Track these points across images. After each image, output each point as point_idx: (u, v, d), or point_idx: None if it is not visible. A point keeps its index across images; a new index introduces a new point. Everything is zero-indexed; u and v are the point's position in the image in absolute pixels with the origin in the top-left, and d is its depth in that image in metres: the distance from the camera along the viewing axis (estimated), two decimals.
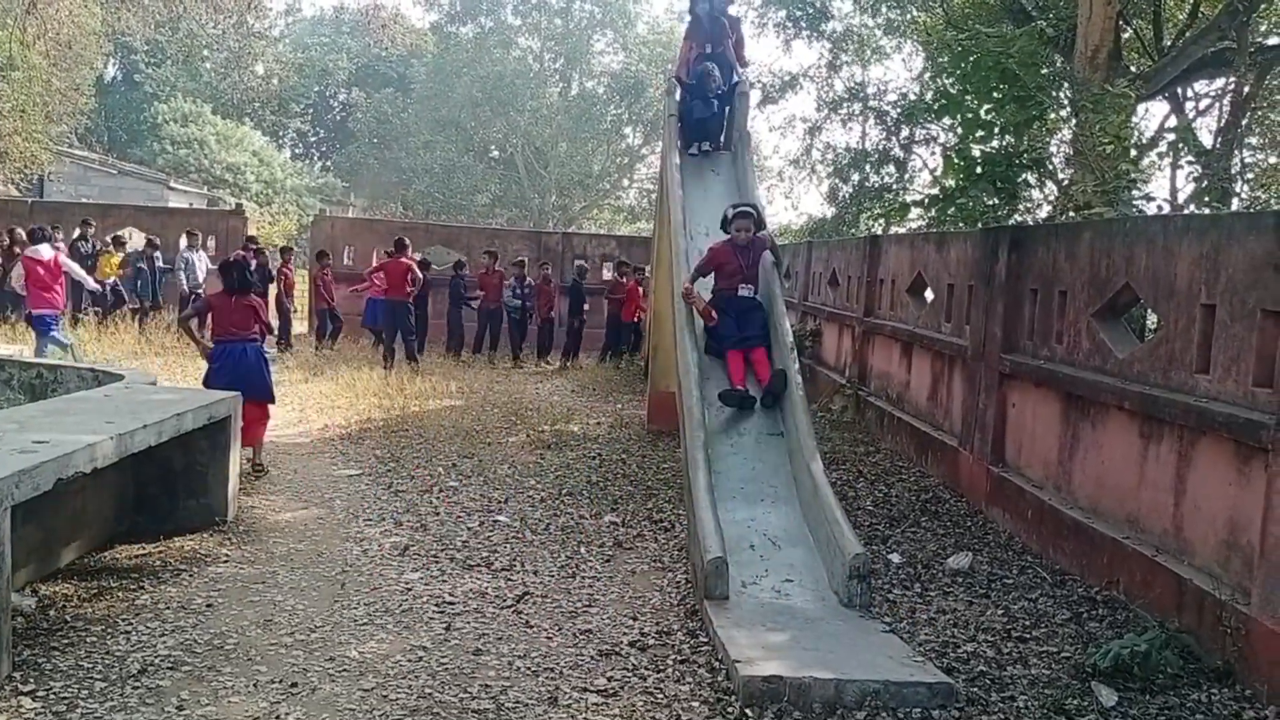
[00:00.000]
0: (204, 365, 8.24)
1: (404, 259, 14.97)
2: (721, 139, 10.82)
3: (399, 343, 14.91)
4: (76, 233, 17.37)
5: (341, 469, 8.45)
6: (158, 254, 17.23)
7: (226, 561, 5.90)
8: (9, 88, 23.77)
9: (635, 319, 17.07)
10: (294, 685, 4.27)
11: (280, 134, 46.74)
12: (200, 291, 16.40)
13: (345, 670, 4.46)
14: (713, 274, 8.06)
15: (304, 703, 4.13)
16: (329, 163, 47.45)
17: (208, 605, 5.14)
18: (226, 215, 21.95)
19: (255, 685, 4.25)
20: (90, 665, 4.35)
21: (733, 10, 11.68)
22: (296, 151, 49.00)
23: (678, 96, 11.23)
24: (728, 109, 10.86)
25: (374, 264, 17.04)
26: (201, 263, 17.04)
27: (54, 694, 4.06)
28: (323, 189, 41.69)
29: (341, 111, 49.64)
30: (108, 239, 17.56)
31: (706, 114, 10.58)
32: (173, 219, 21.08)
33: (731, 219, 8.07)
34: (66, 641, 4.58)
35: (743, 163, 10.42)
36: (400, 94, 43.64)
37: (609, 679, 4.49)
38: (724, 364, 7.62)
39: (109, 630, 4.73)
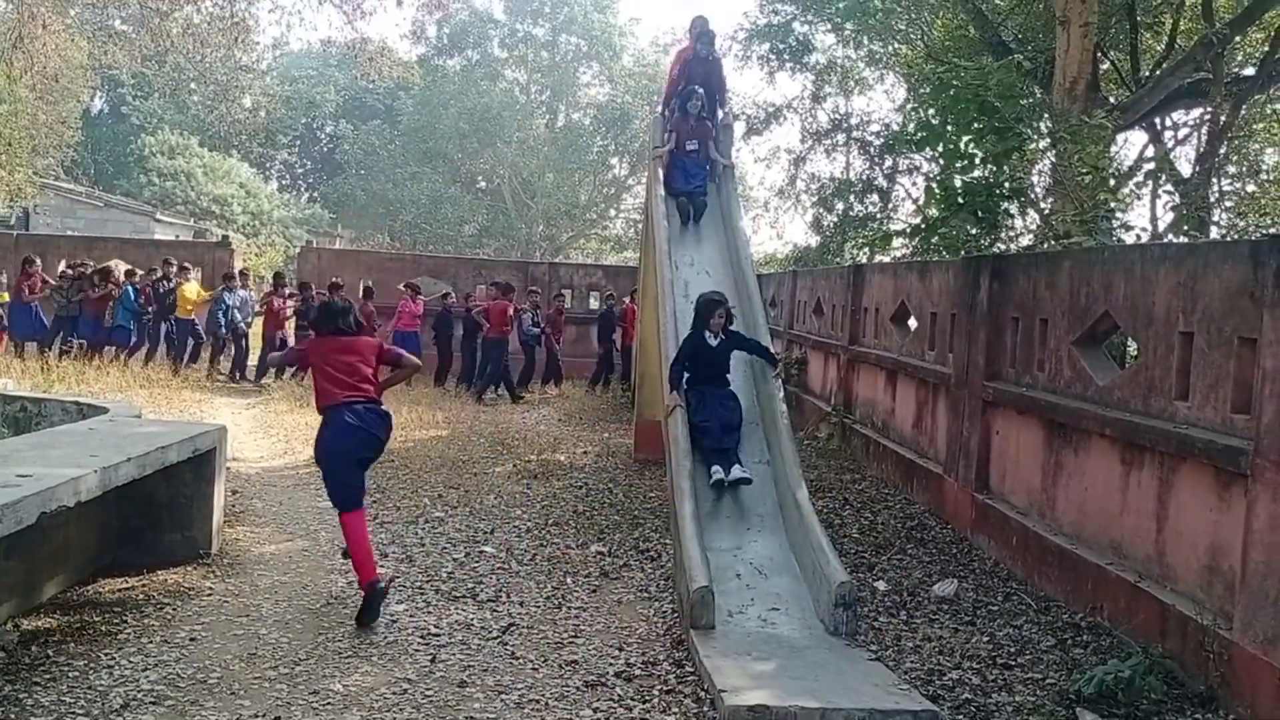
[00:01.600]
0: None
1: (507, 300, 16.30)
2: (702, 215, 10.65)
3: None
4: (159, 273, 17.13)
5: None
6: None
7: (210, 594, 5.87)
8: None
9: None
10: (277, 719, 4.25)
11: (267, 166, 46.87)
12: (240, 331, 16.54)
13: (329, 704, 4.44)
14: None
15: None
16: (316, 194, 47.54)
17: (191, 639, 5.11)
18: (213, 247, 21.95)
19: (238, 719, 4.23)
20: (72, 700, 4.32)
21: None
22: (284, 183, 49.13)
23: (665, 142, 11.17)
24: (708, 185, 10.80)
25: (478, 303, 17.26)
26: (246, 304, 16.90)
27: None
28: (309, 220, 41.77)
29: (328, 143, 49.78)
30: (169, 268, 17.27)
31: (687, 188, 10.49)
32: (159, 251, 21.06)
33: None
34: (48, 676, 4.54)
35: (727, 193, 10.51)
36: (387, 126, 43.81)
37: (595, 710, 4.49)
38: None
39: (91, 665, 4.70)
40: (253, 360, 16.78)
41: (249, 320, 16.87)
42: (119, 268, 18.07)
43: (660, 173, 10.71)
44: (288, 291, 17.09)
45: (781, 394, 7.62)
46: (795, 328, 14.92)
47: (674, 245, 9.73)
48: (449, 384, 16.72)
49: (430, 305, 17.86)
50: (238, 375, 16.35)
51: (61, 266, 17.81)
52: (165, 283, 16.60)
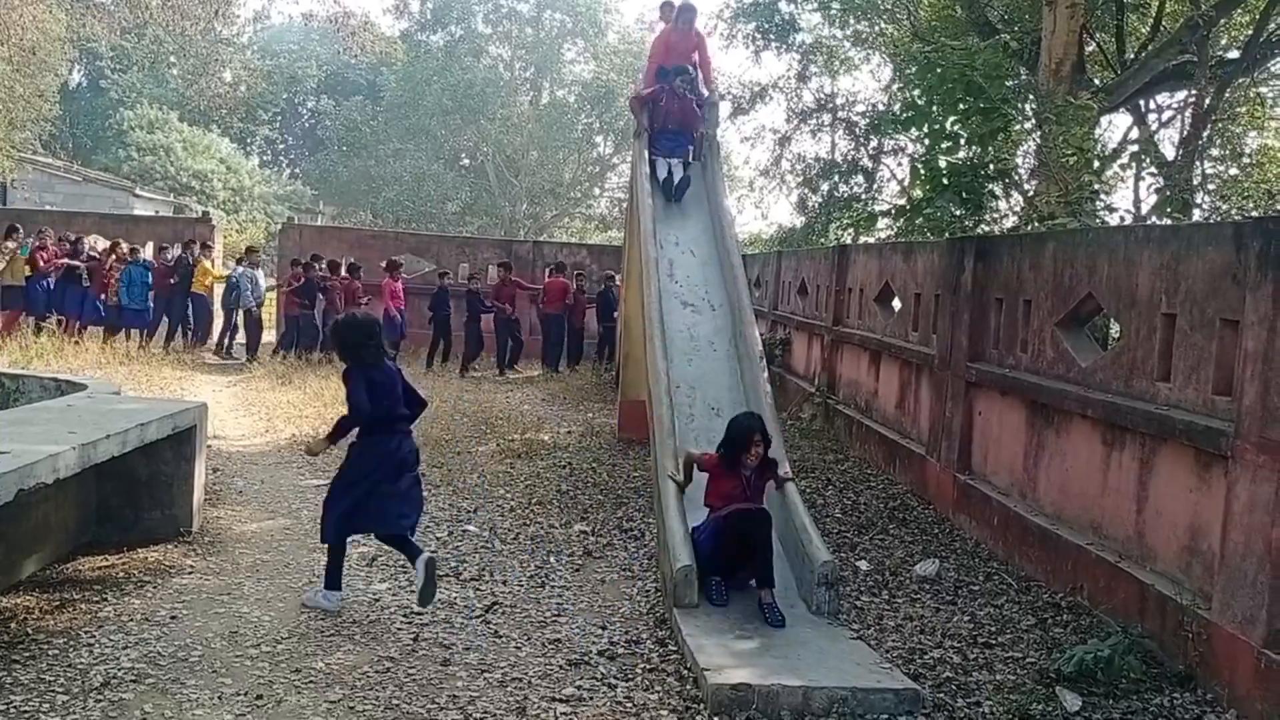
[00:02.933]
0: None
1: (563, 278, 17.11)
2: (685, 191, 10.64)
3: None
4: (179, 250, 16.98)
5: (309, 479, 8.39)
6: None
7: (191, 573, 5.84)
8: None
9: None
10: (259, 697, 4.24)
11: (248, 141, 46.41)
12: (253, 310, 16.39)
13: (311, 682, 4.43)
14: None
15: (269, 715, 4.10)
16: (297, 170, 47.20)
17: (172, 617, 5.08)
18: (193, 223, 21.73)
19: (220, 698, 4.21)
20: (52, 678, 4.28)
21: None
22: (264, 159, 48.69)
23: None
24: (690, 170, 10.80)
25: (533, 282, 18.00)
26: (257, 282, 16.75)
27: (15, 708, 4.00)
28: (291, 196, 41.44)
29: (310, 119, 49.33)
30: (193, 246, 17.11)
31: (669, 149, 10.58)
32: (138, 226, 20.86)
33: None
34: (28, 654, 4.51)
35: (712, 172, 10.48)
36: (370, 102, 43.46)
37: (578, 688, 4.49)
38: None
39: (71, 643, 4.67)
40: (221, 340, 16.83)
41: (261, 299, 16.72)
42: (98, 243, 17.90)
43: (645, 152, 10.68)
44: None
45: (765, 375, 7.62)
46: (780, 308, 14.92)
47: (659, 224, 9.70)
48: (436, 364, 16.60)
49: (411, 284, 17.77)
50: (224, 350, 16.30)
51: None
52: (188, 257, 16.43)
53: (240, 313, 16.70)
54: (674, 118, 10.74)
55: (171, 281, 16.23)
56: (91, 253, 16.91)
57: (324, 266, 16.83)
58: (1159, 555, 5.12)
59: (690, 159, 10.70)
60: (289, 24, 47.58)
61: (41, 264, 15.75)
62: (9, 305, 15.67)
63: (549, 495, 8.16)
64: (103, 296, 16.09)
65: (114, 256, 16.38)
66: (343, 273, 16.54)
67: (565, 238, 40.14)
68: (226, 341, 16.79)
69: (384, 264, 17.36)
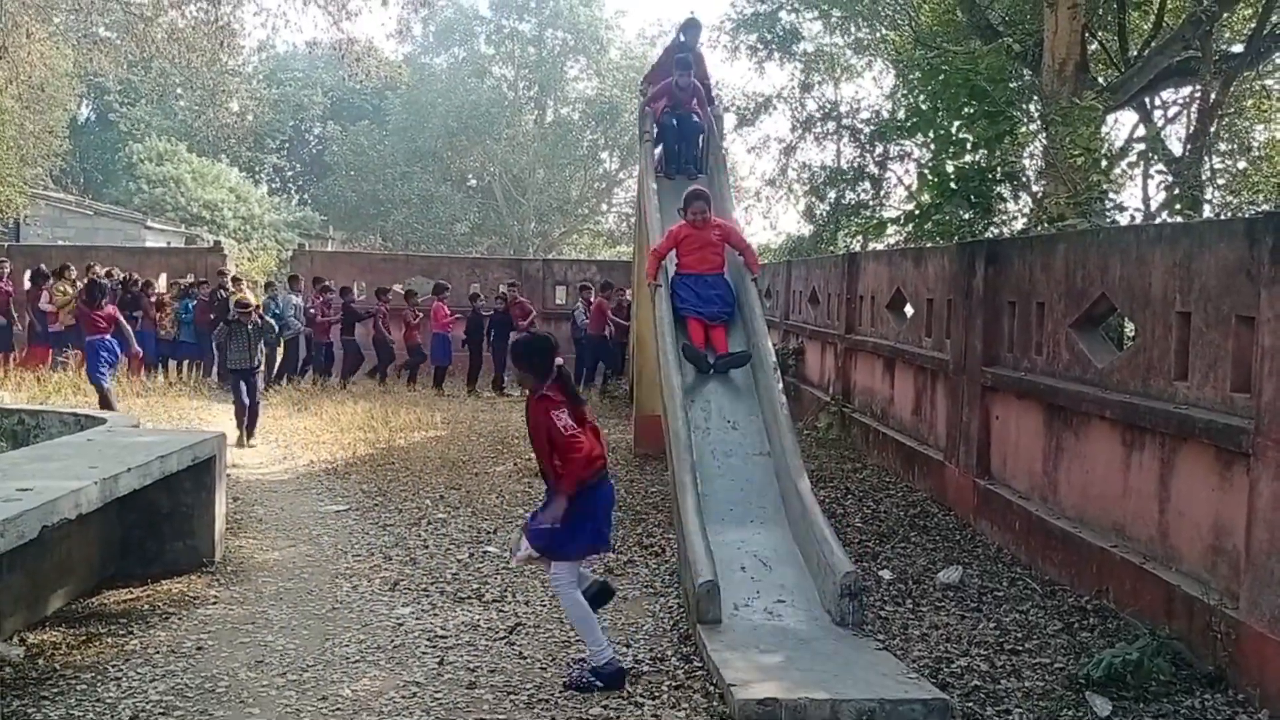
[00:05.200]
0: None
1: (603, 300, 16.76)
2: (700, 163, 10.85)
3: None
4: (210, 285, 17.07)
5: (328, 505, 8.42)
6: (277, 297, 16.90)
7: (215, 603, 5.86)
8: None
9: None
10: None
11: (257, 169, 46.63)
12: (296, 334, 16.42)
13: (339, 709, 4.43)
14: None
15: None
16: (306, 196, 47.39)
17: (198, 648, 5.10)
18: (205, 253, 21.89)
19: None
20: (81, 714, 4.30)
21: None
22: (274, 186, 48.91)
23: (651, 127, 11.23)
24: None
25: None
26: (296, 309, 16.72)
27: None
28: (301, 223, 41.60)
29: (317, 145, 49.61)
30: (223, 279, 17.11)
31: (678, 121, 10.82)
32: (150, 258, 21.01)
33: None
34: (56, 690, 4.53)
35: (719, 183, 10.49)
36: (376, 126, 43.67)
37: (605, 708, 4.48)
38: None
39: (99, 677, 4.69)
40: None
41: (302, 326, 16.71)
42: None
43: (652, 163, 10.72)
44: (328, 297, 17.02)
45: (780, 385, 7.61)
46: (791, 318, 14.91)
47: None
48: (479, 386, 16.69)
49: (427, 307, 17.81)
50: (287, 379, 16.30)
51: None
52: (222, 291, 16.48)
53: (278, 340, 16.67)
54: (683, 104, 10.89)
55: (212, 316, 16.27)
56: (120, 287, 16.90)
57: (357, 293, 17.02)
58: (1184, 555, 5.09)
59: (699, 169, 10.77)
60: (293, 52, 47.93)
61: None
62: (53, 344, 15.72)
63: None
64: (161, 331, 16.15)
65: (168, 292, 16.45)
66: (389, 296, 16.78)
67: (574, 254, 40.24)
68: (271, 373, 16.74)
69: (432, 287, 17.43)
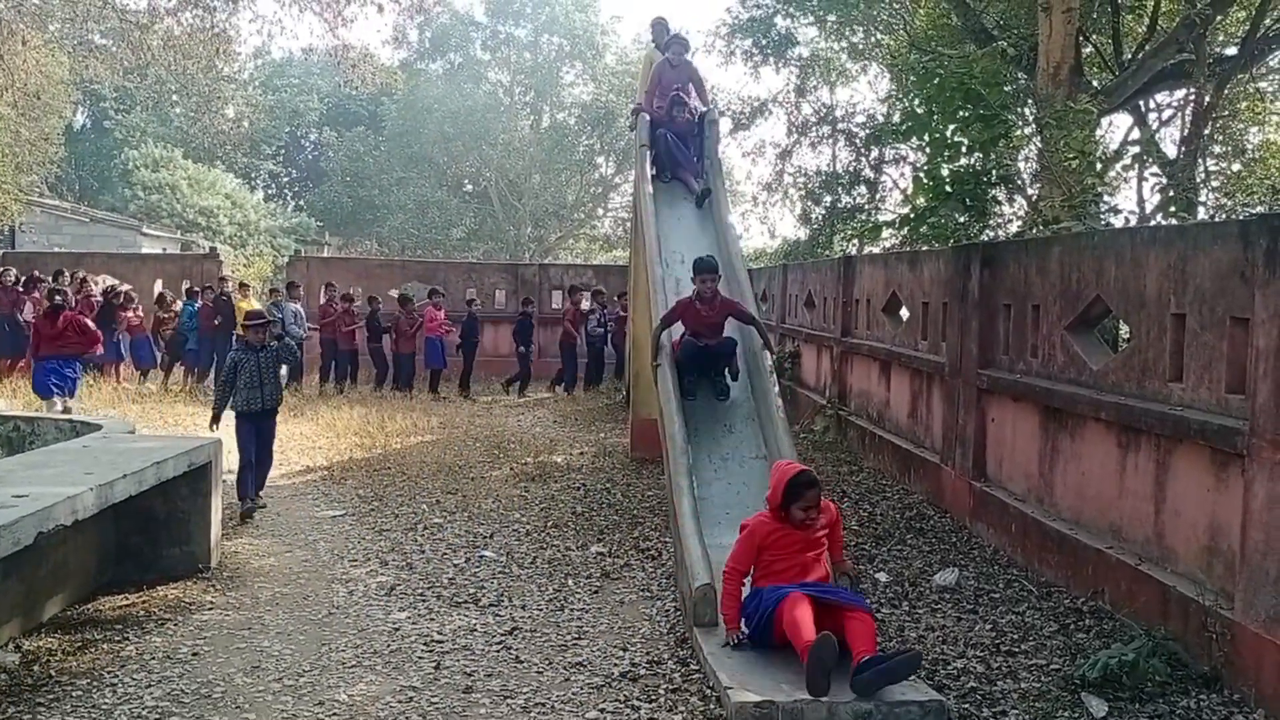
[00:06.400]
0: None
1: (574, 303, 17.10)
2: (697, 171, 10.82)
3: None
4: (215, 290, 16.97)
5: (325, 510, 8.41)
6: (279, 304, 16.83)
7: (211, 609, 5.85)
8: None
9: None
10: None
11: (253, 176, 46.65)
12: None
13: (335, 714, 4.43)
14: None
15: None
16: (302, 203, 47.36)
17: (194, 654, 5.09)
18: (201, 259, 21.89)
19: None
20: None
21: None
22: (269, 192, 48.90)
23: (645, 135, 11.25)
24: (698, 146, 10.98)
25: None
26: (298, 316, 16.70)
27: None
28: (297, 229, 41.60)
29: (313, 151, 49.63)
30: (225, 285, 17.07)
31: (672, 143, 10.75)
32: (146, 265, 21.00)
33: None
34: (52, 696, 4.52)
35: (715, 189, 10.50)
36: (372, 132, 43.69)
37: (601, 711, 4.48)
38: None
39: (95, 683, 4.68)
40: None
41: (305, 334, 16.71)
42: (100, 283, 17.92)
43: (648, 168, 10.73)
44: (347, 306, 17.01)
45: (776, 389, 7.62)
46: (787, 321, 14.93)
47: (664, 242, 9.73)
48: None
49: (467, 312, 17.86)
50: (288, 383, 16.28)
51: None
52: (224, 298, 16.44)
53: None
54: (676, 124, 10.88)
55: (215, 322, 16.25)
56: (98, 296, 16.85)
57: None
58: (1179, 556, 5.09)
59: (698, 175, 10.74)
60: (289, 59, 47.99)
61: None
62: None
63: (564, 518, 8.16)
64: (161, 339, 16.11)
65: (160, 307, 16.42)
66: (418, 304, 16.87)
67: (570, 259, 40.27)
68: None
69: (427, 292, 17.53)
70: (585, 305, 17.31)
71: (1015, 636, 5.33)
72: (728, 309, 7.86)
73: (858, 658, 4.39)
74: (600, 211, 45.91)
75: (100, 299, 16.26)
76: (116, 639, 5.29)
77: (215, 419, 8.22)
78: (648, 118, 11.17)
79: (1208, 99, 15.35)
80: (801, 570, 4.96)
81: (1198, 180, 15.14)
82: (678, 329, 7.96)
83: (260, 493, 8.35)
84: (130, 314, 16.30)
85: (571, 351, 17.25)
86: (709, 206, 10.39)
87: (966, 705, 4.48)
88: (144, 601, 5.93)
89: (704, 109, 11.43)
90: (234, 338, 16.03)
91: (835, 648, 4.33)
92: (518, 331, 17.33)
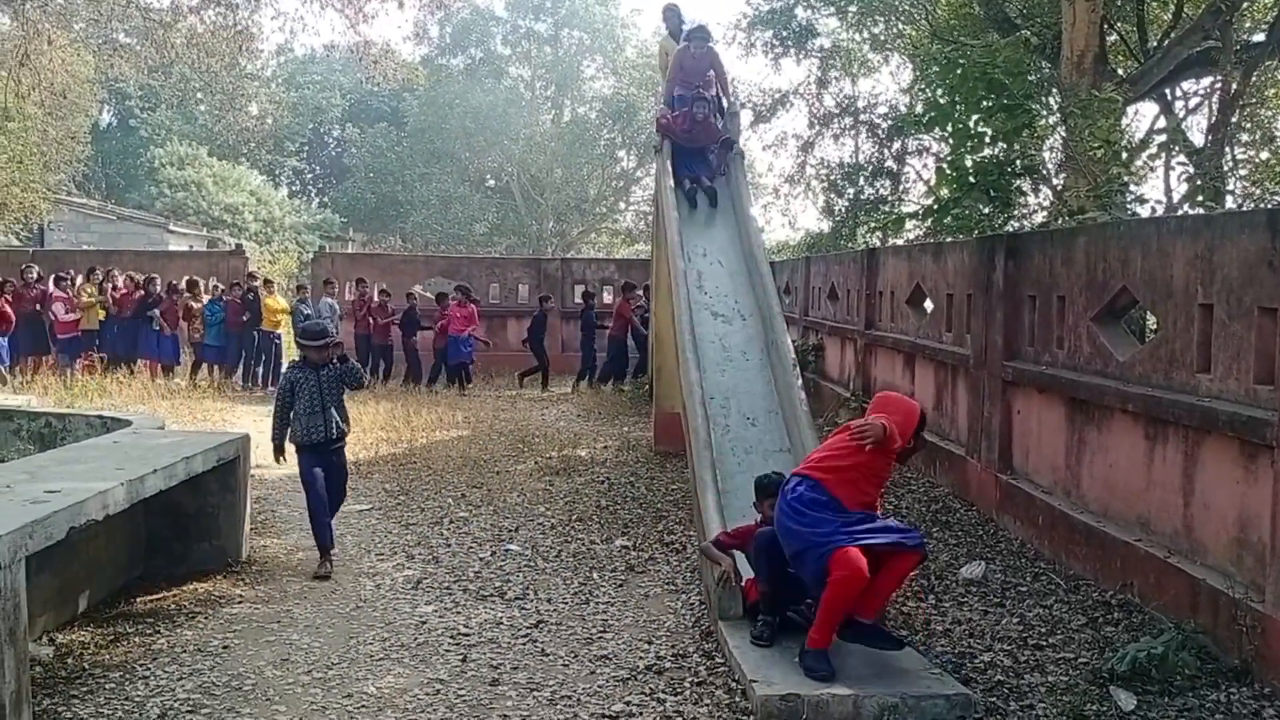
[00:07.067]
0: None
1: (629, 299, 16.76)
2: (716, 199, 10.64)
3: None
4: (242, 286, 16.97)
5: (351, 504, 8.45)
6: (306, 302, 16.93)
7: (241, 602, 5.92)
8: (5, 139, 23.93)
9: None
10: None
11: (277, 173, 46.95)
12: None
13: (364, 706, 4.47)
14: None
15: None
16: (326, 199, 47.66)
17: (224, 647, 5.15)
18: (227, 256, 22.06)
19: None
20: (110, 712, 4.36)
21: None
22: (293, 189, 49.22)
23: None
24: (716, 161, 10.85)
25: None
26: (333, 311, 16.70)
27: None
28: (321, 225, 41.85)
29: (336, 148, 49.88)
30: (253, 281, 17.05)
31: (691, 172, 10.54)
32: (173, 262, 21.19)
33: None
34: (85, 689, 4.59)
35: (737, 181, 10.49)
36: (394, 128, 43.85)
37: (627, 704, 4.50)
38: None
39: (127, 676, 4.75)
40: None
41: (337, 328, 16.78)
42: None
43: (668, 165, 10.71)
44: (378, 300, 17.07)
45: (800, 381, 7.61)
46: (810, 314, 14.89)
47: (685, 236, 9.73)
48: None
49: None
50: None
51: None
52: (253, 295, 16.53)
53: None
54: (696, 141, 10.76)
55: (244, 318, 16.34)
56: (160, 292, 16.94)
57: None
58: (1209, 549, 5.05)
59: (712, 176, 10.64)
60: (312, 56, 48.18)
61: (117, 306, 16.03)
62: (86, 349, 15.88)
63: (589, 511, 8.19)
64: (195, 335, 16.23)
65: (191, 294, 16.52)
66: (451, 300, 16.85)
67: (592, 253, 40.30)
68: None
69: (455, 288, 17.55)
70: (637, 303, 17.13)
71: (1043, 630, 5.31)
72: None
73: (857, 612, 4.59)
74: (622, 205, 45.89)
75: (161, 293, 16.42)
76: (148, 632, 5.36)
77: (278, 450, 6.86)
78: (666, 126, 11.02)
79: (1235, 86, 15.14)
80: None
81: (1225, 169, 14.94)
82: None
83: (328, 559, 6.70)
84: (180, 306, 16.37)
85: (621, 347, 17.17)
86: (729, 200, 10.37)
87: (993, 699, 4.46)
88: (175, 595, 6.00)
89: (725, 101, 11.40)
90: (258, 334, 16.24)
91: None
92: (533, 326, 17.37)
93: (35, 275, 16.27)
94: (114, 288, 16.46)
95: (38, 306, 15.83)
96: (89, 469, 5.52)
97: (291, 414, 6.73)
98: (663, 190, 10.61)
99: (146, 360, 16.04)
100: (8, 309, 14.97)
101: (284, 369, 7.50)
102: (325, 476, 6.73)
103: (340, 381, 6.81)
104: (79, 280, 16.47)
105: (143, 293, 16.37)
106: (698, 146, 10.72)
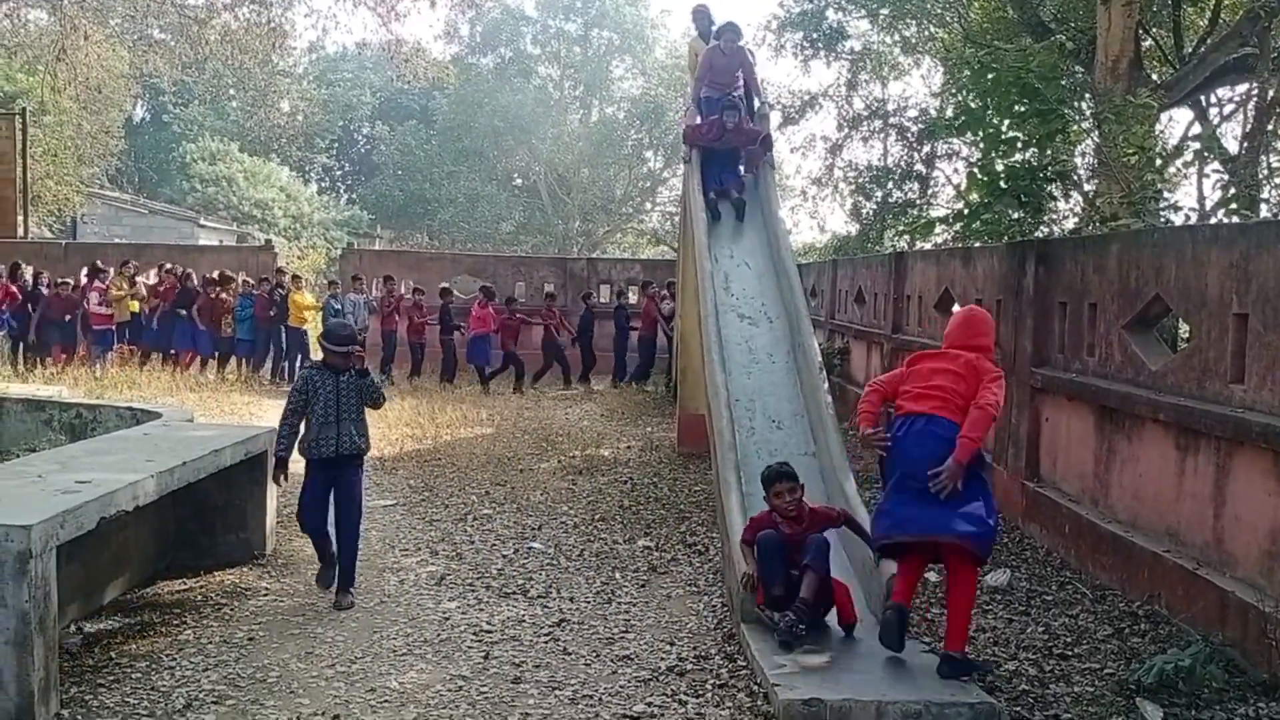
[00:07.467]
0: None
1: (654, 299, 16.94)
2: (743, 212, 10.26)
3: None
4: (271, 281, 17.04)
5: (376, 499, 8.51)
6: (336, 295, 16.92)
7: (266, 595, 5.96)
8: (41, 132, 24.27)
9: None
10: (336, 717, 4.31)
11: (306, 169, 47.31)
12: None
13: (386, 701, 4.49)
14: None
15: None
16: (355, 196, 47.97)
17: (249, 639, 5.19)
18: (256, 251, 22.25)
19: (298, 718, 4.29)
20: (136, 701, 4.40)
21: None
22: (323, 186, 49.60)
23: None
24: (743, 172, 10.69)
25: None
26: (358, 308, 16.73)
27: None
28: (349, 222, 42.16)
29: (366, 145, 50.21)
30: (282, 276, 17.14)
31: (719, 186, 10.26)
32: (203, 256, 21.38)
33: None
34: (112, 678, 4.64)
35: (765, 184, 10.46)
36: (423, 126, 44.09)
37: (648, 705, 4.50)
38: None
39: (153, 666, 4.79)
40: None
41: (363, 326, 16.86)
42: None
43: (696, 164, 10.67)
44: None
45: (826, 385, 7.58)
46: (836, 317, 14.83)
47: (712, 238, 9.71)
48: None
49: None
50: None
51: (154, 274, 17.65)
52: (279, 290, 16.62)
53: None
54: (728, 144, 10.57)
55: (272, 314, 16.44)
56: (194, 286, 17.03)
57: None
58: (1239, 561, 4.99)
59: (741, 189, 10.43)
60: (343, 53, 48.52)
61: (154, 299, 16.17)
62: (120, 341, 16.04)
63: (612, 511, 8.19)
64: (227, 330, 16.35)
65: (225, 289, 16.62)
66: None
67: (618, 253, 40.33)
68: None
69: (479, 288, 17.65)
70: (667, 306, 17.08)
71: (1068, 639, 5.26)
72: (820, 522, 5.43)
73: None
74: (648, 205, 45.93)
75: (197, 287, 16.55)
76: (175, 623, 5.41)
77: (280, 465, 5.95)
78: (698, 156, 10.70)
79: (1271, 93, 14.96)
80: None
81: (1260, 177, 14.75)
82: None
83: (350, 588, 5.90)
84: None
85: (651, 346, 17.18)
86: (759, 204, 10.33)
87: (1018, 708, 4.43)
88: (201, 587, 6.05)
89: (756, 101, 11.35)
90: (286, 330, 16.32)
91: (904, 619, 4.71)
92: (581, 326, 17.41)
93: (44, 280, 16.40)
94: (158, 279, 16.59)
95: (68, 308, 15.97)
96: (119, 460, 5.58)
97: (301, 419, 5.89)
98: (690, 192, 10.58)
99: (185, 353, 16.18)
100: (14, 289, 15.25)
101: (301, 368, 6.09)
102: (335, 502, 5.89)
103: (359, 394, 5.94)
104: (110, 273, 16.62)
105: (180, 286, 16.50)
106: (729, 149, 10.59)
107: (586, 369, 17.27)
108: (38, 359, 15.00)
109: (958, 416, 4.62)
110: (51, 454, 6.05)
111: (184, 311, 16.14)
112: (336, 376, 5.89)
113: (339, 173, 51.59)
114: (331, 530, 5.94)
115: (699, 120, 11.15)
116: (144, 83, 32.47)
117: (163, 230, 29.99)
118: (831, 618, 5.29)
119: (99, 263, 16.98)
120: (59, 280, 16.12)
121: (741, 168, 10.70)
